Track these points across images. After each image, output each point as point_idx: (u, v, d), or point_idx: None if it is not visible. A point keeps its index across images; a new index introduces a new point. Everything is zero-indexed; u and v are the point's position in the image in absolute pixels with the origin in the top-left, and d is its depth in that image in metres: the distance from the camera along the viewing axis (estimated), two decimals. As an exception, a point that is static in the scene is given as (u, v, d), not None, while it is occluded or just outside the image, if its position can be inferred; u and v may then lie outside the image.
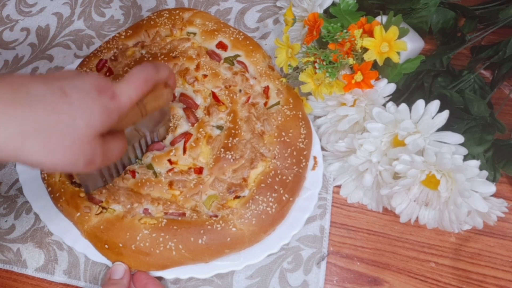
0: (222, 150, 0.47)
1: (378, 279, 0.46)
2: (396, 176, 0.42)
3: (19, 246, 0.48)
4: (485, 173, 0.38)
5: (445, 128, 0.41)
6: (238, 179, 0.46)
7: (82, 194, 0.45)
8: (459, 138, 0.40)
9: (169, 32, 0.56)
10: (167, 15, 0.56)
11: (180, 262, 0.44)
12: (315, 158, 0.50)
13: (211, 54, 0.53)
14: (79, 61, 0.56)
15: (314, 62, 0.45)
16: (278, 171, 0.46)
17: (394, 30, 0.42)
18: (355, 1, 0.51)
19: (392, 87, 0.44)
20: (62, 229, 0.46)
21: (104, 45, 0.55)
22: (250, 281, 0.45)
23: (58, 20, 0.65)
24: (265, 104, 0.51)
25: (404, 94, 0.50)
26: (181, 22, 0.56)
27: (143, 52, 0.54)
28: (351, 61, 0.43)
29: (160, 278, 0.45)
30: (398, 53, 0.43)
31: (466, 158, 0.39)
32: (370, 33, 0.44)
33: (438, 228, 0.43)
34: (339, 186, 0.49)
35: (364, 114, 0.46)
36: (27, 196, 0.49)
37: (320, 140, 0.51)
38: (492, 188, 0.38)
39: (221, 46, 0.54)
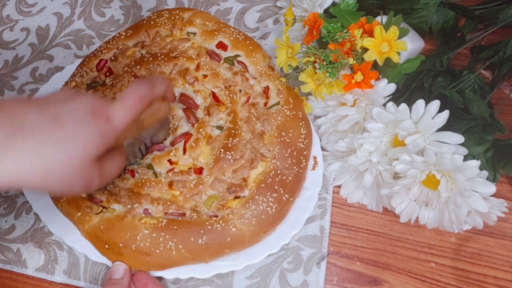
0: (222, 150, 0.47)
1: (378, 279, 0.46)
2: (396, 176, 0.42)
3: (19, 246, 0.48)
4: (485, 173, 0.38)
5: (445, 128, 0.41)
6: (238, 179, 0.46)
7: (83, 195, 0.45)
8: (459, 138, 0.40)
9: (169, 32, 0.56)
10: (167, 15, 0.56)
11: (180, 262, 0.44)
12: (315, 158, 0.49)
13: (211, 54, 0.53)
14: (79, 61, 0.56)
15: (314, 62, 0.45)
16: (278, 171, 0.46)
17: (394, 30, 0.42)
18: (355, 1, 0.51)
19: (392, 87, 0.44)
20: (62, 229, 0.46)
21: (104, 45, 0.55)
22: (250, 281, 0.45)
23: (58, 20, 0.65)
24: (265, 104, 0.51)
25: (404, 94, 0.50)
26: (181, 22, 0.56)
27: (143, 52, 0.54)
28: (351, 61, 0.43)
29: (160, 278, 0.45)
30: (398, 53, 0.43)
31: (466, 158, 0.39)
32: (370, 33, 0.44)
33: (438, 228, 0.43)
34: (339, 186, 0.49)
35: (364, 114, 0.46)
36: (27, 196, 0.49)
37: (320, 140, 0.51)
38: (492, 188, 0.38)
39: (221, 46, 0.54)
